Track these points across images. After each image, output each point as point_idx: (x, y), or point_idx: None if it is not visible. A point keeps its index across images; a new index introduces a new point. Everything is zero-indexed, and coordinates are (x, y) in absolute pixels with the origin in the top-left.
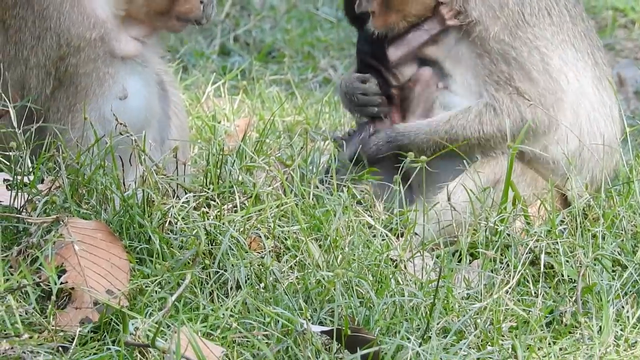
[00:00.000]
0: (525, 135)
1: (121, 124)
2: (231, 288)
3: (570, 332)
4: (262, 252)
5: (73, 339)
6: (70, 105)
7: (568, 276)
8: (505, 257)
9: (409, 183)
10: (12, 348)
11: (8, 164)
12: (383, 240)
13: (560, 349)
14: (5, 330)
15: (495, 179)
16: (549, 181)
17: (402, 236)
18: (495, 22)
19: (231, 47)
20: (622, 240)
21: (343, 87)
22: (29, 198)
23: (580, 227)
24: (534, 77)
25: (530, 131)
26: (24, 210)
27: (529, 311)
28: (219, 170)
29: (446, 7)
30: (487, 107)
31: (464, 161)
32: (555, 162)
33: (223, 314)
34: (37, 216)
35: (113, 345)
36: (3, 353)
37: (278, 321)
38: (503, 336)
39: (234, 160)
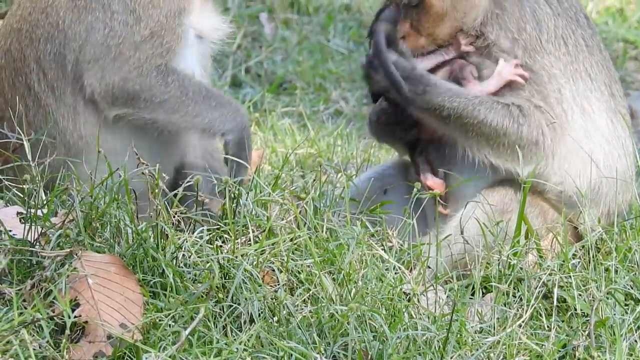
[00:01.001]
0: (531, 156)
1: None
2: (244, 322)
3: None
4: (275, 285)
5: None
6: None
7: (581, 310)
8: (518, 291)
9: (420, 209)
10: None
11: (22, 196)
12: (396, 273)
13: None
14: None
15: (504, 209)
16: (562, 214)
17: (414, 268)
18: (514, 45)
19: (243, 78)
20: (635, 274)
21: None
22: (43, 231)
23: (593, 260)
24: (550, 102)
25: (534, 151)
26: (38, 244)
27: (542, 345)
28: (233, 204)
29: (463, 33)
30: (514, 105)
31: (474, 186)
32: (567, 194)
33: (237, 348)
34: (51, 249)
35: None
36: None
37: (292, 355)
38: None
39: (248, 194)
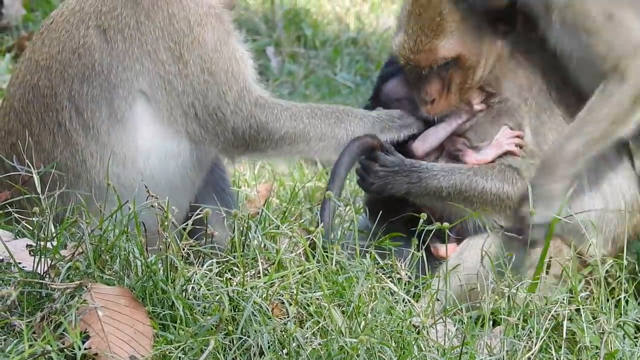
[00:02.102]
0: None
1: (147, 190)
2: (254, 354)
3: None
4: (285, 318)
5: None
6: None
7: (591, 342)
8: (528, 324)
9: (426, 244)
10: None
11: (31, 229)
12: (405, 305)
13: None
14: None
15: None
16: (572, 246)
17: (423, 300)
18: (526, 102)
19: None
20: None
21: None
22: (52, 264)
23: (604, 293)
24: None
25: None
26: (48, 276)
27: None
28: (243, 237)
29: (476, 92)
30: (509, 168)
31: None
32: (574, 226)
33: None
34: (61, 282)
35: None
36: None
37: None
38: None
39: (257, 227)
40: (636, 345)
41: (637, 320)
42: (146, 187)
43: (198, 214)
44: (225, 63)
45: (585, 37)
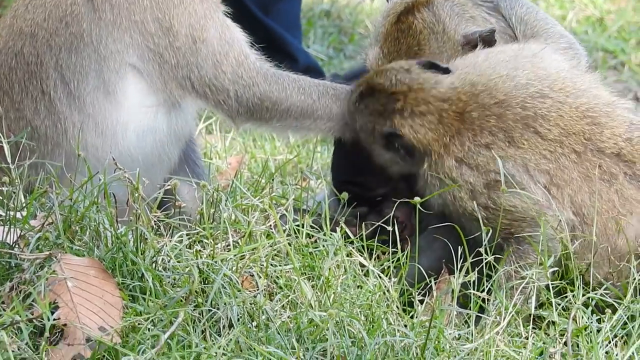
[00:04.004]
0: None
1: (115, 162)
2: (223, 326)
3: None
4: (254, 291)
5: None
6: None
7: (559, 317)
8: (497, 299)
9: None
10: None
11: (1, 198)
12: (375, 280)
13: None
14: None
15: None
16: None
17: (395, 275)
18: None
19: None
20: (612, 282)
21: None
22: (22, 234)
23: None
24: None
25: None
26: (17, 246)
27: (520, 352)
28: (213, 209)
29: None
30: None
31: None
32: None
33: (215, 352)
34: (30, 252)
35: None
36: None
37: None
38: None
39: (227, 199)
40: (603, 321)
41: (603, 296)
42: (114, 159)
43: (167, 186)
44: (217, 30)
45: None
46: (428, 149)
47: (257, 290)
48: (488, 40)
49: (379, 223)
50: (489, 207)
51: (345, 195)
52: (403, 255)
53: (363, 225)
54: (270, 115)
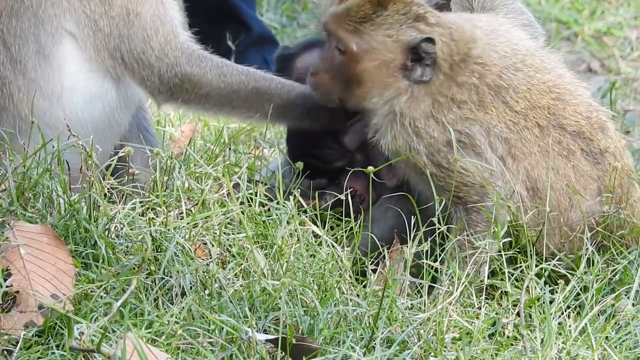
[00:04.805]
0: None
1: (69, 129)
2: (176, 295)
3: (512, 345)
4: (207, 259)
5: (17, 342)
6: None
7: (512, 288)
8: (450, 269)
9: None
10: None
11: None
12: (328, 248)
13: None
14: None
15: None
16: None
17: (348, 245)
18: None
19: None
20: (565, 253)
21: None
22: None
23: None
24: None
25: None
26: None
27: (472, 322)
28: (165, 177)
29: None
30: None
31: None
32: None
33: (168, 321)
34: None
35: (58, 349)
36: None
37: (223, 329)
38: (446, 347)
39: (181, 167)
40: (556, 292)
41: (556, 267)
42: (68, 126)
43: (121, 153)
44: (152, 6)
45: None
46: (441, 66)
47: (210, 258)
48: (445, 8)
49: (339, 196)
50: (442, 165)
51: (300, 164)
52: (356, 225)
53: (318, 196)
54: (190, 98)
